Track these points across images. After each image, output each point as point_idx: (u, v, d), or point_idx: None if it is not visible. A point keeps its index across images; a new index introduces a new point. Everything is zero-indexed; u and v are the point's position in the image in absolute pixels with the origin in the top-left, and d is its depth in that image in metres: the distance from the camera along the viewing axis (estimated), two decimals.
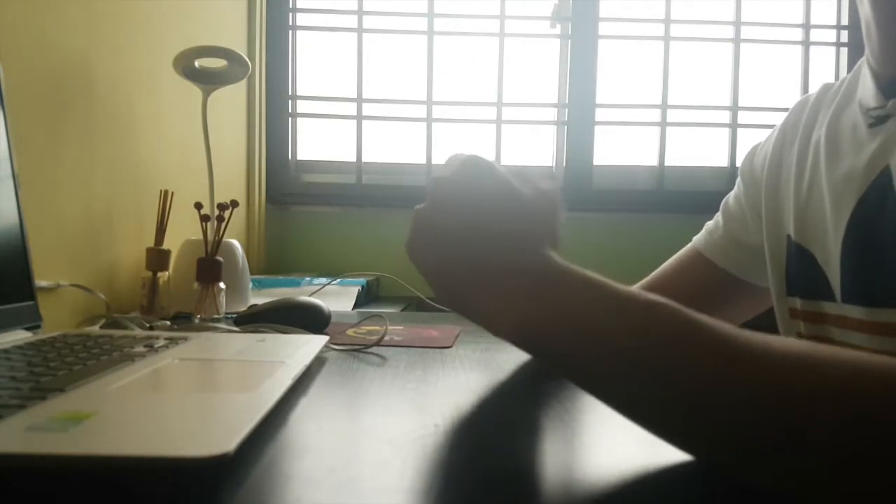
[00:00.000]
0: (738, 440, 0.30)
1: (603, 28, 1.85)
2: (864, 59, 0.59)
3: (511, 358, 0.63)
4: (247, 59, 1.11)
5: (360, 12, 1.81)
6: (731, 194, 0.75)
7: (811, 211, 0.61)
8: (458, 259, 0.41)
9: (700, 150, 1.90)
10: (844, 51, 1.87)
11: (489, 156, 0.46)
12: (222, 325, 0.76)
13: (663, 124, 1.86)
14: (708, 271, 0.74)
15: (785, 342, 0.32)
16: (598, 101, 1.85)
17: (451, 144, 1.85)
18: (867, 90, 0.57)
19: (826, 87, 0.66)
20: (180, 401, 0.39)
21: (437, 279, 0.42)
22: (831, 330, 0.58)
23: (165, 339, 0.58)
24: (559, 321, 0.37)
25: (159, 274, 0.95)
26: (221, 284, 0.90)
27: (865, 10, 0.54)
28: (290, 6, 1.80)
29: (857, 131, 0.57)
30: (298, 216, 1.80)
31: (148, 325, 0.75)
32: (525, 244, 0.40)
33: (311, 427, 0.39)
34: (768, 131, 0.73)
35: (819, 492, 0.29)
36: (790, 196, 0.64)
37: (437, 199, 0.42)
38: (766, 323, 0.63)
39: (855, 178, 0.55)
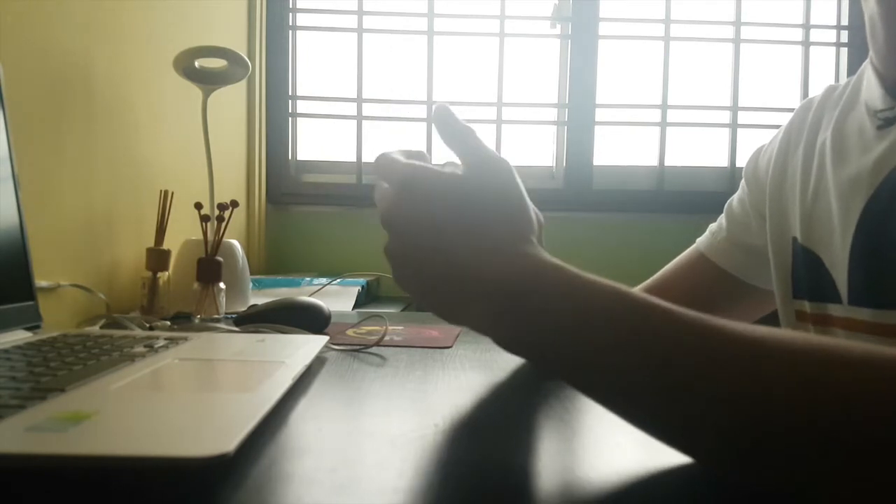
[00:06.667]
0: (745, 433, 0.30)
1: (603, 28, 1.85)
2: (868, 60, 0.59)
3: (511, 358, 0.63)
4: (247, 59, 1.11)
5: (360, 12, 1.81)
6: (735, 197, 0.75)
7: (818, 213, 0.61)
8: (439, 281, 0.41)
9: (700, 150, 1.90)
10: (844, 51, 1.87)
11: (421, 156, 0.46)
12: (222, 325, 0.76)
13: (663, 124, 1.86)
14: (711, 274, 0.74)
15: (791, 335, 0.31)
16: (598, 101, 1.85)
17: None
18: (873, 92, 0.57)
19: (830, 89, 0.65)
20: (180, 401, 0.39)
21: (430, 303, 0.42)
22: (837, 332, 0.58)
23: (165, 339, 0.58)
24: (537, 334, 0.37)
25: (159, 274, 0.95)
26: (221, 284, 0.90)
27: (871, 7, 0.54)
28: (290, 6, 1.80)
29: (864, 133, 0.57)
30: (298, 216, 1.80)
31: (148, 325, 0.75)
32: (495, 254, 0.39)
33: (311, 427, 0.39)
34: (768, 131, 0.73)
35: (818, 489, 0.29)
36: (796, 198, 0.64)
37: (398, 231, 0.42)
38: (770, 325, 0.63)
39: (862, 179, 0.55)
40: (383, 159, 0.44)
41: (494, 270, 0.38)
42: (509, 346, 0.40)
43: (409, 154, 0.46)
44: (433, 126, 0.45)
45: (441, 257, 0.40)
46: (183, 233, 1.03)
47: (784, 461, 0.29)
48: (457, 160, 0.45)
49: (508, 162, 0.43)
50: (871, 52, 0.57)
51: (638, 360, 0.33)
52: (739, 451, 0.30)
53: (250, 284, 1.11)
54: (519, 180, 0.43)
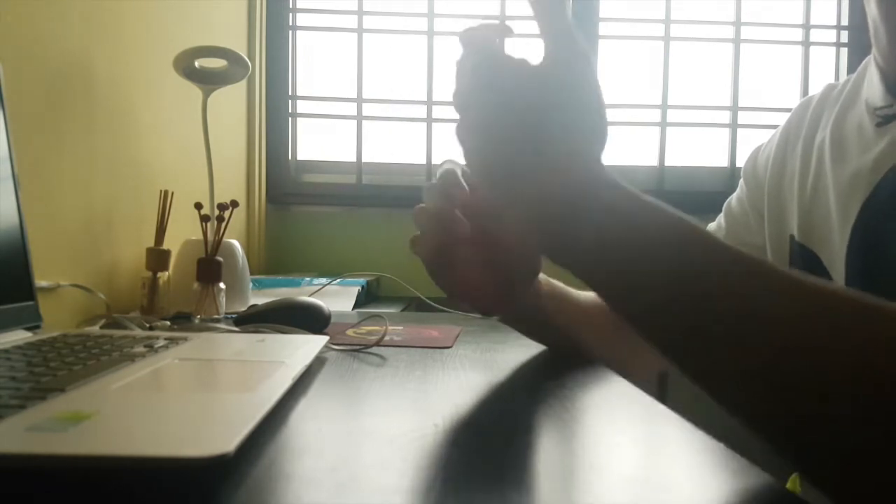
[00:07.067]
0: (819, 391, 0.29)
1: (603, 28, 1.85)
2: (869, 58, 0.59)
3: (511, 358, 0.63)
4: (247, 59, 1.11)
5: (360, 12, 1.81)
6: (734, 196, 0.75)
7: (816, 211, 0.61)
8: (509, 160, 0.39)
9: (700, 150, 1.90)
10: (844, 51, 1.87)
11: None
12: (222, 325, 0.76)
13: (663, 124, 1.86)
14: None
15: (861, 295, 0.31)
16: None
17: (452, 144, 1.85)
18: (874, 89, 0.57)
19: (829, 88, 0.66)
20: (180, 401, 0.39)
21: (490, 168, 0.41)
22: None
23: (165, 339, 0.58)
24: (584, 252, 0.36)
25: (159, 274, 0.95)
26: (221, 284, 0.90)
27: (872, 9, 0.54)
28: (290, 6, 1.80)
29: (864, 131, 0.57)
30: (298, 216, 1.80)
31: (148, 325, 0.74)
32: (565, 163, 0.38)
33: (311, 427, 0.39)
34: (768, 131, 0.73)
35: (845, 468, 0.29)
36: (794, 196, 0.64)
37: (484, 102, 0.40)
38: None
39: (862, 177, 0.55)
40: (471, 31, 0.44)
41: (557, 179, 0.37)
42: (554, 254, 0.39)
43: (501, 30, 0.44)
44: None
45: (508, 146, 0.39)
46: (183, 233, 1.03)
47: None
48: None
49: (590, 56, 0.41)
50: (874, 51, 0.57)
51: (689, 299, 0.32)
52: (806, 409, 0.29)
53: (250, 284, 1.11)
54: (597, 78, 0.41)
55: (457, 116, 0.42)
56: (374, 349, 0.66)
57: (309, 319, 0.75)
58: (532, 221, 0.39)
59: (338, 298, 1.22)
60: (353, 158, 1.81)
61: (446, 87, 1.84)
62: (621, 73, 1.88)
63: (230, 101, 1.50)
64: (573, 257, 0.38)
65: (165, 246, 0.97)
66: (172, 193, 0.99)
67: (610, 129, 0.41)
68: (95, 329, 0.69)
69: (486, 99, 0.40)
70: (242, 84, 1.51)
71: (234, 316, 0.81)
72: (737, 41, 1.86)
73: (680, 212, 0.35)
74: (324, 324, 0.76)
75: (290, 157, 1.81)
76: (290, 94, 1.81)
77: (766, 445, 0.31)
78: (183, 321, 0.84)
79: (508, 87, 0.39)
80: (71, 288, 0.87)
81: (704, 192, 1.83)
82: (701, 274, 0.33)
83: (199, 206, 0.94)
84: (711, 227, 0.77)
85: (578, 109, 0.40)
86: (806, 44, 1.87)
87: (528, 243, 0.41)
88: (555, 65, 0.40)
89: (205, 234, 0.94)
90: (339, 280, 1.31)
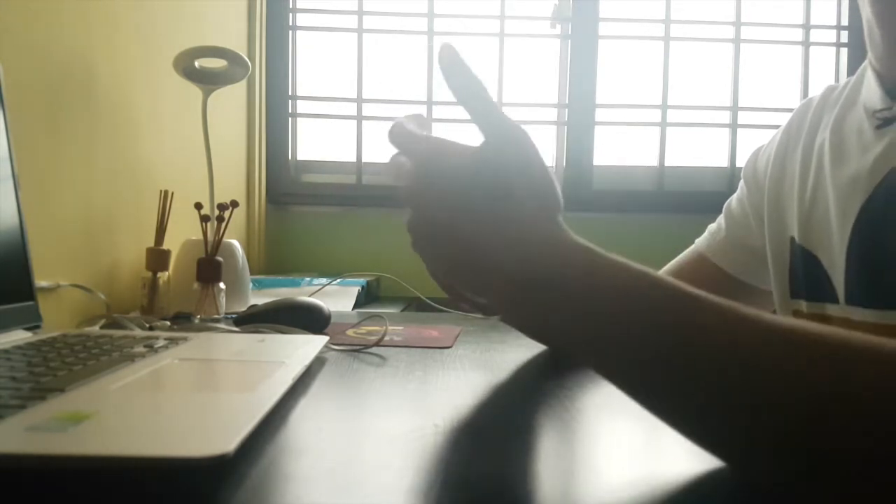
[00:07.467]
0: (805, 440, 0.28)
1: (603, 28, 1.85)
2: (867, 61, 0.59)
3: (511, 358, 0.63)
4: (247, 59, 1.11)
5: (360, 12, 1.81)
6: (734, 197, 0.75)
7: (816, 213, 0.61)
8: (461, 264, 0.39)
9: (700, 150, 1.90)
10: (844, 51, 1.87)
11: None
12: (222, 325, 0.76)
13: (663, 124, 1.86)
14: (711, 274, 0.74)
15: (839, 332, 0.31)
16: (598, 101, 1.85)
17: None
18: (872, 92, 0.57)
19: (830, 90, 0.66)
20: (180, 401, 0.39)
21: (450, 280, 0.42)
22: None
23: (165, 339, 0.58)
24: (563, 324, 0.36)
25: (159, 274, 0.95)
26: (221, 284, 0.90)
27: (867, 12, 0.55)
28: (290, 6, 1.80)
29: (863, 133, 0.57)
30: (298, 216, 1.80)
31: (148, 325, 0.74)
32: (519, 242, 0.37)
33: (311, 427, 0.39)
34: (768, 132, 0.73)
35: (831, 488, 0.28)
36: (794, 199, 0.64)
37: (419, 210, 0.40)
38: None
39: (861, 180, 0.55)
40: (399, 129, 0.42)
41: (519, 258, 0.37)
42: (532, 333, 0.40)
43: (419, 121, 0.43)
44: (440, 69, 0.41)
45: (464, 242, 0.38)
46: (183, 233, 1.03)
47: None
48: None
49: (526, 132, 0.40)
50: (869, 54, 0.57)
51: (680, 353, 0.31)
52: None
53: (250, 284, 1.11)
54: (540, 151, 0.40)
55: (409, 212, 0.41)
56: (374, 349, 0.66)
57: (309, 319, 0.75)
58: (504, 300, 0.38)
59: (338, 298, 1.22)
60: (353, 158, 1.81)
61: (446, 86, 1.84)
62: (621, 73, 1.88)
63: (230, 101, 1.50)
64: (548, 329, 0.38)
65: (165, 246, 0.97)
66: (172, 193, 0.99)
67: (559, 193, 0.40)
68: (95, 329, 0.69)
69: (439, 190, 0.39)
70: (242, 84, 1.51)
71: (234, 316, 0.81)
72: (737, 41, 1.86)
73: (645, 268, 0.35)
74: (324, 324, 0.76)
75: (290, 158, 1.81)
76: (290, 94, 1.81)
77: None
78: (183, 321, 0.84)
79: (459, 174, 0.39)
80: (71, 288, 0.87)
81: (704, 193, 1.83)
82: (680, 323, 0.32)
83: (199, 206, 0.94)
84: (712, 227, 0.77)
85: (529, 179, 0.39)
86: (806, 44, 1.87)
87: (507, 320, 0.41)
88: (496, 142, 0.39)
89: (205, 234, 0.94)
90: (339, 280, 1.31)
